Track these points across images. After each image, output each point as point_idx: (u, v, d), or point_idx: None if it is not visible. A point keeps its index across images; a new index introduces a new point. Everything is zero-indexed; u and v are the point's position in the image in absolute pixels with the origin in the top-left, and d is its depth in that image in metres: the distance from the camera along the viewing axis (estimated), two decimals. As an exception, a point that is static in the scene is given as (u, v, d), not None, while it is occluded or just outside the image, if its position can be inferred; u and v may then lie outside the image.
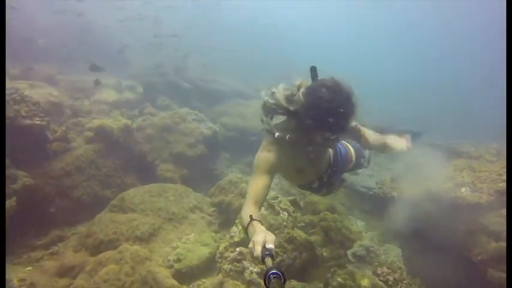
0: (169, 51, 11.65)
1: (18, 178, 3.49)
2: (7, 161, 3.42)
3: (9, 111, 3.68)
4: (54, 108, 5.18)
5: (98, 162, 4.61)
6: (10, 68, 7.52)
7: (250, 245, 1.11)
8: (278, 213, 3.90)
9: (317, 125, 1.59)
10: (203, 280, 3.51)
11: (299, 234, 3.81)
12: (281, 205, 4.03)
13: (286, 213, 3.95)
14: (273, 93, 1.70)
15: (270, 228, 3.67)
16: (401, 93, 16.92)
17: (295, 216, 4.10)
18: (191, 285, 3.34)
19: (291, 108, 1.63)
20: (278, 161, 1.70)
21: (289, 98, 1.66)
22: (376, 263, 3.55)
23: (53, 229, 3.87)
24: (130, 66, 10.93)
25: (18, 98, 3.89)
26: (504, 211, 3.51)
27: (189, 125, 5.86)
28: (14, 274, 3.04)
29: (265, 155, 1.70)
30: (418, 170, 4.67)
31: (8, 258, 3.25)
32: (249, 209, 1.44)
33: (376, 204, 5.16)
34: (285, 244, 3.58)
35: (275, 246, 1.07)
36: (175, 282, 2.97)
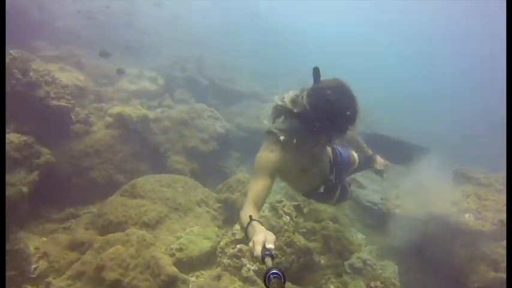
0: (194, 46, 11.94)
1: (42, 154, 3.71)
2: (33, 138, 3.64)
3: (41, 92, 3.92)
4: (80, 92, 5.44)
5: (114, 147, 4.83)
6: (42, 50, 7.94)
7: (250, 244, 1.10)
8: (281, 217, 4.01)
9: (325, 127, 1.63)
10: (202, 272, 3.66)
11: (299, 239, 3.91)
12: (284, 209, 4.13)
13: (288, 217, 4.05)
14: (283, 97, 1.76)
15: (272, 230, 3.76)
16: (418, 105, 16.63)
17: (297, 221, 4.19)
18: (190, 275, 3.48)
19: (295, 110, 1.67)
20: (281, 161, 1.70)
21: (294, 101, 1.71)
22: (370, 276, 3.60)
23: (67, 206, 4.11)
24: (155, 56, 11.23)
25: (50, 79, 4.14)
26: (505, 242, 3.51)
27: (204, 121, 6.04)
28: (30, 242, 3.26)
29: (268, 155, 1.69)
30: (425, 191, 4.71)
31: (25, 226, 3.49)
32: (248, 210, 1.44)
33: (379, 219, 5.20)
34: (284, 247, 3.69)
35: (274, 247, 1.06)
36: (176, 269, 3.12)
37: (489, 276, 3.39)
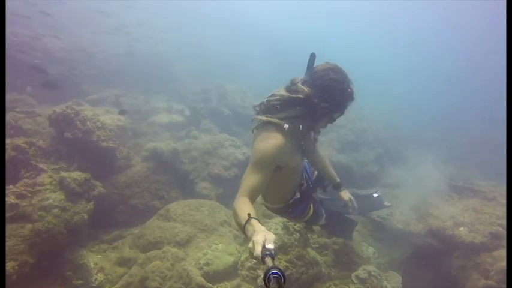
0: (216, 78, 13.04)
1: (96, 187, 4.62)
2: (89, 174, 4.57)
3: (94, 136, 4.91)
4: (121, 131, 6.45)
5: (150, 178, 5.71)
6: (88, 93, 9.29)
7: (250, 244, 1.09)
8: (292, 234, 4.60)
9: (331, 106, 1.67)
10: (226, 283, 4.31)
11: (308, 252, 4.48)
12: (295, 227, 4.73)
13: (298, 234, 4.63)
14: (272, 94, 1.78)
15: (284, 245, 4.38)
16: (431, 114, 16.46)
17: (307, 237, 4.76)
18: (215, 285, 4.15)
19: (300, 96, 1.65)
20: (284, 151, 1.65)
21: (292, 89, 1.71)
22: (367, 284, 4.07)
23: (115, 229, 4.98)
24: (181, 89, 12.40)
25: (99, 125, 5.14)
26: (495, 253, 3.87)
27: (226, 150, 6.84)
28: (90, 258, 4.11)
29: (272, 145, 1.61)
30: (428, 207, 5.12)
31: (85, 246, 4.37)
32: (245, 206, 1.39)
33: (388, 233, 5.61)
34: (295, 260, 4.27)
35: (274, 246, 1.05)
36: (203, 280, 3.81)
37: (480, 283, 3.74)
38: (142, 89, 11.10)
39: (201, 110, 9.81)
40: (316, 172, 2.59)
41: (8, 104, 6.14)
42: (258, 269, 4.02)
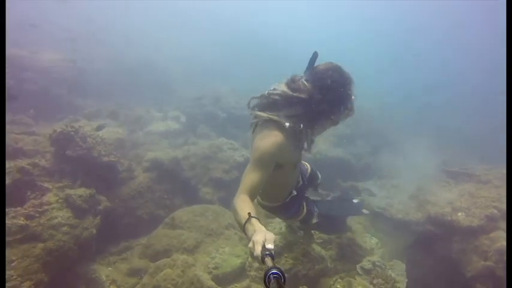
0: (208, 82, 13.13)
1: (101, 202, 4.72)
2: (94, 190, 4.66)
3: (95, 152, 4.99)
4: (120, 143, 6.53)
5: (153, 187, 5.80)
6: (83, 107, 9.34)
7: (250, 244, 1.08)
8: (296, 232, 4.73)
9: (331, 108, 1.67)
10: (235, 285, 4.43)
11: (313, 249, 4.60)
12: (299, 225, 4.85)
13: (302, 232, 4.76)
14: (274, 88, 1.75)
15: (288, 244, 4.50)
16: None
17: (311, 234, 4.88)
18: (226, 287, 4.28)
19: (303, 95, 1.64)
20: (285, 148, 1.65)
21: (293, 87, 1.68)
22: (373, 274, 4.21)
23: (122, 240, 5.08)
24: (174, 95, 12.46)
25: (99, 140, 5.22)
26: (492, 234, 4.02)
27: (225, 153, 6.94)
28: (102, 272, 4.21)
29: (273, 140, 1.61)
30: (426, 194, 5.27)
31: (96, 259, 4.46)
32: (245, 205, 1.38)
33: (389, 223, 5.76)
34: (301, 257, 4.40)
35: (274, 246, 1.05)
36: (214, 283, 3.93)
37: (479, 265, 3.89)
38: (136, 98, 11.17)
39: (197, 116, 9.90)
40: (309, 169, 2.63)
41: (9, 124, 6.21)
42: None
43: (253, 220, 1.25)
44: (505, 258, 3.58)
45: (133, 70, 12.72)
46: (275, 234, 4.40)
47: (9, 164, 4.33)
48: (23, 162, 4.37)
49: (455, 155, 7.82)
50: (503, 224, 4.01)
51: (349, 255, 4.95)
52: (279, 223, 4.76)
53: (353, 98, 1.75)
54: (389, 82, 20.66)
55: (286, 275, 0.90)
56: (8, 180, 4.12)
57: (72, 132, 4.77)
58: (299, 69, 1.79)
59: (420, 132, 10.20)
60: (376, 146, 8.97)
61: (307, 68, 1.70)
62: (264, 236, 1.07)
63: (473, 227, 4.16)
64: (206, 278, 3.89)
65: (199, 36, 18.88)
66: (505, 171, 5.98)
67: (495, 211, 4.17)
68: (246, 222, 1.26)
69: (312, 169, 2.68)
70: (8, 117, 7.03)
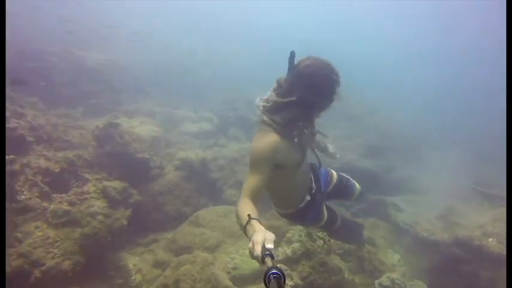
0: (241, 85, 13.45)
1: (133, 195, 5.08)
2: (127, 183, 5.03)
3: (130, 148, 5.39)
4: (155, 141, 6.95)
5: (181, 186, 6.11)
6: (123, 103, 10.03)
7: (250, 245, 1.09)
8: (315, 241, 4.76)
9: (322, 99, 1.69)
10: (252, 286, 4.56)
11: (331, 259, 4.61)
12: (318, 234, 4.88)
13: (322, 241, 4.78)
14: (266, 100, 1.78)
15: (307, 252, 4.55)
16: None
17: (330, 244, 4.89)
18: (242, 288, 4.42)
19: (295, 97, 1.66)
20: (280, 150, 1.67)
21: (280, 93, 1.72)
22: None
23: (150, 233, 5.42)
24: (208, 97, 12.88)
25: (135, 138, 5.63)
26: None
27: (252, 157, 7.11)
28: (130, 260, 4.54)
29: (266, 141, 1.65)
30: (455, 215, 5.05)
31: (125, 248, 4.81)
32: (246, 207, 1.42)
33: (414, 241, 5.58)
34: (318, 266, 4.42)
35: (274, 246, 1.05)
36: (230, 283, 4.09)
37: (508, 296, 3.68)
38: (173, 99, 11.74)
39: (229, 118, 10.18)
40: (335, 177, 2.53)
41: (58, 119, 6.88)
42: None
43: (253, 221, 1.26)
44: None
45: (171, 72, 13.39)
46: (294, 241, 4.51)
47: (59, 154, 4.83)
48: (70, 154, 4.84)
49: (492, 173, 7.33)
50: (538, 255, 3.74)
51: (369, 269, 4.89)
52: (299, 230, 4.82)
53: (338, 79, 1.71)
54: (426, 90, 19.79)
55: (286, 274, 0.95)
56: (57, 169, 4.60)
57: (111, 129, 5.19)
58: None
59: (456, 146, 9.67)
60: (408, 160, 8.67)
61: (288, 69, 1.73)
62: (263, 236, 1.07)
63: (504, 256, 3.94)
64: (223, 277, 4.06)
65: (234, 44, 19.42)
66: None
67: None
68: (246, 224, 1.28)
69: (341, 178, 2.58)
70: (61, 111, 7.79)
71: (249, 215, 1.30)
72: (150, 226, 5.50)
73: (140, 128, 6.90)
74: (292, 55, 1.70)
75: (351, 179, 2.73)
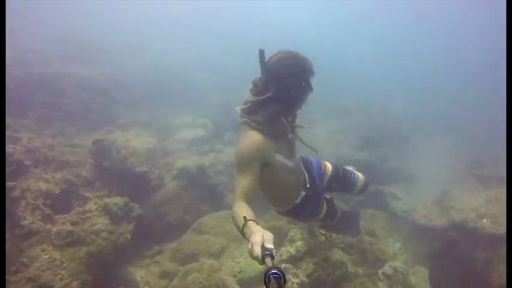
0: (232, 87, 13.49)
1: (134, 209, 5.15)
2: (128, 198, 5.09)
3: (128, 163, 5.45)
4: (151, 152, 6.99)
5: (181, 194, 6.18)
6: (117, 116, 10.03)
7: (249, 246, 1.08)
8: (317, 238, 4.87)
9: (299, 90, 1.70)
10: (259, 288, 4.67)
11: (334, 254, 4.72)
12: (320, 231, 4.99)
13: (324, 237, 4.89)
14: (244, 102, 1.82)
15: (309, 249, 4.66)
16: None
17: (332, 239, 5.00)
18: (249, 291, 4.52)
19: (270, 94, 1.68)
20: (265, 148, 1.68)
21: (256, 92, 1.75)
22: (393, 281, 4.25)
23: (155, 244, 5.50)
24: (201, 102, 12.89)
25: (132, 151, 5.70)
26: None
27: (249, 160, 7.20)
28: (137, 273, 4.62)
29: (250, 141, 1.66)
30: (450, 200, 5.20)
31: (131, 262, 4.89)
32: (241, 210, 1.42)
33: (412, 228, 5.72)
34: (321, 262, 4.53)
35: (274, 246, 1.05)
36: (238, 287, 4.19)
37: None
38: (165, 107, 11.74)
39: (223, 123, 10.23)
40: (330, 169, 2.44)
41: (53, 139, 6.90)
42: (288, 273, 4.33)
43: (250, 223, 1.27)
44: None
45: (161, 79, 13.38)
46: (297, 240, 4.61)
47: (57, 175, 4.89)
48: (68, 175, 4.89)
49: (484, 155, 7.50)
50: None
51: (371, 259, 5.02)
52: (300, 229, 4.93)
53: (310, 68, 1.73)
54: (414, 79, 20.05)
55: (286, 275, 0.91)
56: (57, 191, 4.66)
57: (108, 146, 5.25)
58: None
59: (447, 132, 9.85)
60: (401, 149, 8.83)
61: (261, 67, 1.72)
62: (261, 236, 1.07)
63: (499, 235, 4.08)
64: (231, 282, 4.16)
65: (219, 45, 19.35)
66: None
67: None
68: (243, 226, 1.28)
69: (337, 170, 2.49)
70: (55, 129, 7.80)
71: (244, 217, 1.30)
72: (153, 237, 5.57)
73: (136, 140, 6.94)
74: (261, 53, 1.69)
75: (353, 170, 2.67)
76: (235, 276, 4.61)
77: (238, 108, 1.84)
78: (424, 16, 26.69)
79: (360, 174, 2.68)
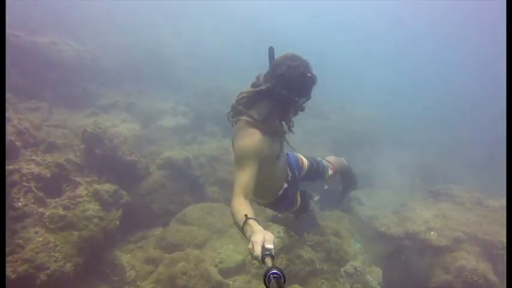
0: (215, 76, 13.58)
1: (123, 196, 5.35)
2: (117, 185, 5.28)
3: (119, 151, 5.61)
4: (137, 140, 7.12)
5: (166, 184, 6.44)
6: (98, 97, 9.80)
7: (249, 245, 1.09)
8: (292, 237, 5.45)
9: (293, 92, 1.74)
10: (237, 277, 5.16)
11: (305, 252, 5.34)
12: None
13: (298, 236, 5.49)
14: (240, 93, 1.89)
15: (285, 247, 5.22)
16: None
17: (304, 238, 5.62)
18: (229, 280, 5.01)
19: (264, 87, 1.75)
20: (263, 144, 1.72)
21: (255, 84, 1.82)
22: (354, 280, 4.98)
23: (139, 231, 5.77)
24: (183, 88, 12.86)
25: (122, 140, 5.82)
26: (455, 253, 4.78)
27: (231, 156, 7.56)
28: (123, 258, 4.91)
29: (250, 138, 1.70)
30: (406, 211, 6.01)
31: (117, 247, 5.14)
32: (241, 207, 1.43)
33: (372, 232, 6.51)
34: (294, 259, 5.13)
35: (274, 246, 1.06)
36: (220, 277, 4.65)
37: (442, 278, 4.66)
38: (147, 89, 11.60)
39: (204, 113, 10.43)
40: (306, 164, 2.59)
41: (31, 112, 6.77)
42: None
43: (251, 221, 1.28)
44: (463, 274, 4.34)
45: (144, 59, 13.10)
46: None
47: (48, 158, 4.94)
48: (60, 158, 4.97)
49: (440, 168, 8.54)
50: (466, 246, 4.77)
51: (336, 258, 5.71)
52: (277, 227, 5.45)
53: (313, 77, 1.81)
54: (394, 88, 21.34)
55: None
56: (48, 174, 4.74)
57: (101, 133, 5.36)
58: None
59: (415, 142, 10.89)
60: (369, 155, 9.66)
61: (269, 63, 1.81)
62: (262, 236, 1.09)
63: (441, 246, 4.91)
64: (214, 272, 4.61)
65: (212, 34, 19.09)
66: (477, 194, 6.77)
67: (461, 235, 4.92)
68: (244, 224, 1.29)
69: (311, 164, 2.67)
70: (32, 104, 7.55)
71: (245, 215, 1.32)
72: (138, 224, 5.83)
73: (122, 126, 7.02)
74: (271, 51, 1.78)
75: (322, 160, 2.87)
76: (216, 266, 5.07)
77: (240, 93, 1.91)
78: (403, 20, 28.09)
79: (326, 162, 2.93)
